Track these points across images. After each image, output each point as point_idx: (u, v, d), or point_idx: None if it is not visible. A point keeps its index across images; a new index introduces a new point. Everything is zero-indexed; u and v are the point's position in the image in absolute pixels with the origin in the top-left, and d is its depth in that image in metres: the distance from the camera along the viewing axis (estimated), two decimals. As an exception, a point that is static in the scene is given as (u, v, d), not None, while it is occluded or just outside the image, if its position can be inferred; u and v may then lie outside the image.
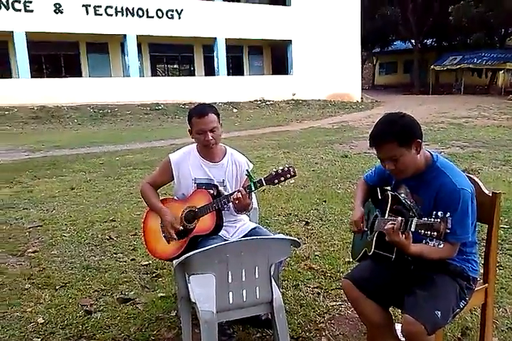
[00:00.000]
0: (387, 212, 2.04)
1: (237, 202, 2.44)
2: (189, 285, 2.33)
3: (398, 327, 2.12)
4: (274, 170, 2.43)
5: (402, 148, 1.93)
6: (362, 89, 25.76)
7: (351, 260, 3.43)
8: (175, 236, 2.54)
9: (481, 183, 2.16)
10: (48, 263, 3.67)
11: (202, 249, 2.05)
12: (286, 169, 2.41)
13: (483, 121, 14.42)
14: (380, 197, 2.23)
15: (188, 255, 2.04)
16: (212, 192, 2.59)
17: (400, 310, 2.21)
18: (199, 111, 2.58)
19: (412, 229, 1.77)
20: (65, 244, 4.14)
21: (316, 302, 2.97)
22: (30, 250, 3.98)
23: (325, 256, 3.70)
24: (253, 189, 2.44)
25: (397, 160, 1.96)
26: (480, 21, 25.30)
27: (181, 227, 2.54)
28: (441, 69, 30.17)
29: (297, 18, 21.89)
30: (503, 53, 27.34)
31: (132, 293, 3.15)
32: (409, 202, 2.06)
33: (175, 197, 2.76)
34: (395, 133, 1.92)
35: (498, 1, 23.82)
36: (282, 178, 2.41)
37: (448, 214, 1.68)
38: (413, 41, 33.40)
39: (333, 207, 5.07)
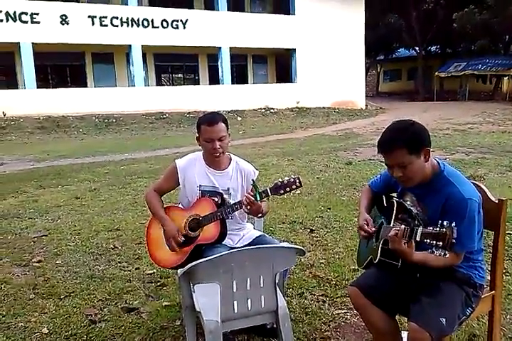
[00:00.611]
0: (392, 219, 2.03)
1: (249, 206, 2.42)
2: (194, 294, 2.32)
3: (404, 334, 2.10)
4: (280, 180, 2.41)
5: (412, 155, 1.92)
6: (366, 96, 25.80)
7: (356, 267, 3.42)
8: (177, 248, 2.53)
9: (487, 190, 2.15)
10: (53, 273, 3.67)
11: (207, 259, 2.04)
12: (292, 180, 2.40)
13: (488, 127, 14.37)
14: (385, 205, 2.22)
15: (192, 264, 2.03)
16: (216, 200, 2.58)
17: (406, 318, 2.19)
18: (209, 120, 2.58)
19: (418, 239, 1.75)
20: (69, 253, 4.14)
21: (322, 311, 2.95)
22: (35, 260, 3.98)
23: (330, 264, 3.68)
24: (258, 199, 2.43)
25: (405, 167, 1.95)
26: (484, 28, 25.32)
27: (183, 238, 2.53)
28: (445, 75, 30.18)
29: (301, 27, 22.00)
30: (508, 59, 27.33)
31: (137, 302, 3.14)
32: (415, 211, 2.05)
33: (180, 205, 2.76)
34: (405, 140, 1.91)
35: (502, 8, 23.84)
36: (288, 189, 2.39)
37: (454, 224, 1.66)
38: (417, 48, 33.46)
39: (337, 215, 5.05)
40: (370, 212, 2.32)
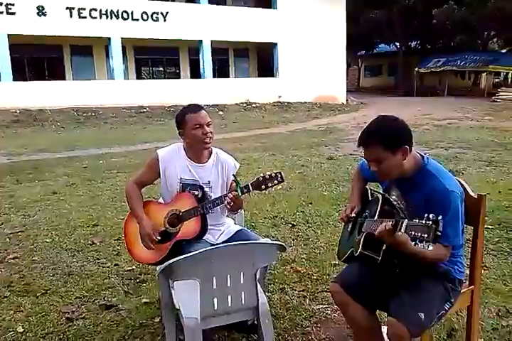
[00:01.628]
0: (377, 213, 2.01)
1: (232, 204, 2.40)
2: (173, 291, 2.29)
3: (384, 329, 2.10)
4: (262, 175, 2.38)
5: (388, 152, 1.91)
6: (347, 91, 25.90)
7: (337, 262, 3.43)
8: (152, 247, 2.49)
9: (466, 186, 2.15)
10: (29, 270, 3.59)
11: (186, 255, 2.01)
12: (273, 175, 2.37)
13: (466, 122, 14.58)
14: (370, 199, 2.21)
15: (171, 261, 2.00)
16: (197, 193, 2.55)
17: (386, 314, 2.19)
18: (193, 108, 2.57)
19: (403, 231, 1.74)
20: (46, 249, 4.05)
21: (303, 306, 2.94)
22: (10, 256, 3.89)
23: (311, 259, 3.68)
24: (240, 194, 2.40)
25: (380, 162, 1.94)
26: (463, 24, 25.66)
27: (159, 238, 2.48)
28: (425, 71, 30.50)
29: (283, 21, 21.93)
30: (486, 56, 27.78)
31: (115, 299, 3.09)
32: (399, 205, 2.04)
33: (160, 199, 2.71)
34: (381, 137, 1.90)
35: (481, 5, 24.15)
36: (270, 184, 2.37)
37: (440, 217, 1.66)
38: (397, 44, 33.73)
39: (319, 209, 5.05)
40: (361, 203, 2.29)
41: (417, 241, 1.72)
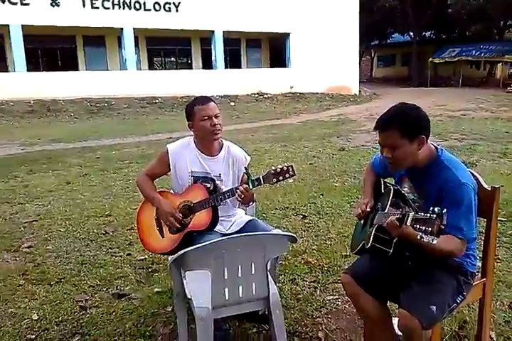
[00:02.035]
0: (387, 206, 2.01)
1: (242, 196, 2.40)
2: (184, 281, 2.31)
3: (395, 321, 2.10)
4: (273, 168, 2.37)
5: (404, 139, 1.89)
6: (360, 82, 25.67)
7: (348, 253, 3.43)
8: (178, 225, 2.49)
9: (480, 178, 2.13)
10: (43, 259, 3.65)
11: (198, 246, 2.02)
12: (285, 168, 2.36)
13: (481, 113, 14.38)
14: (382, 191, 2.20)
15: (183, 251, 2.01)
16: (208, 186, 2.55)
17: (397, 305, 2.19)
18: (201, 100, 2.57)
19: (408, 223, 1.74)
20: (60, 238, 4.11)
21: (313, 297, 2.95)
22: (25, 245, 3.95)
23: (322, 250, 3.68)
24: (251, 187, 2.40)
25: (395, 149, 1.92)
26: (479, 13, 25.23)
27: (181, 215, 2.50)
28: (439, 61, 30.08)
29: (295, 11, 21.72)
30: (502, 45, 27.25)
31: (128, 288, 3.13)
32: (411, 196, 2.03)
33: (171, 191, 2.72)
34: (400, 123, 1.89)
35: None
36: (281, 177, 2.37)
37: (444, 210, 1.65)
38: (411, 34, 33.25)
39: (330, 201, 5.05)
40: (374, 197, 2.28)
41: (422, 235, 1.71)
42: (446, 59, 29.13)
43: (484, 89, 24.50)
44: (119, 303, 2.92)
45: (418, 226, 1.68)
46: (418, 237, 1.71)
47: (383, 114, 1.97)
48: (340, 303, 2.87)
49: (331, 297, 2.95)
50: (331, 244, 3.81)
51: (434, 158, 2.00)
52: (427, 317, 1.83)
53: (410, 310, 1.83)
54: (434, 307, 1.86)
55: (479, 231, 2.91)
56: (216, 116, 2.53)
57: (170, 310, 2.80)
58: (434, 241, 1.66)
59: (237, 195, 2.42)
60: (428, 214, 1.66)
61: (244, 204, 2.60)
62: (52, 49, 20.85)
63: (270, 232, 2.47)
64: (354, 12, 23.47)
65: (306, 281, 3.16)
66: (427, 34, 36.09)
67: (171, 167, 2.65)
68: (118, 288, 3.13)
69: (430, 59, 30.14)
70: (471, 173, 2.07)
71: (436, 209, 1.65)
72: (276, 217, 4.57)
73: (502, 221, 4.10)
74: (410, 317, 1.81)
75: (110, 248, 3.87)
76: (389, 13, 30.07)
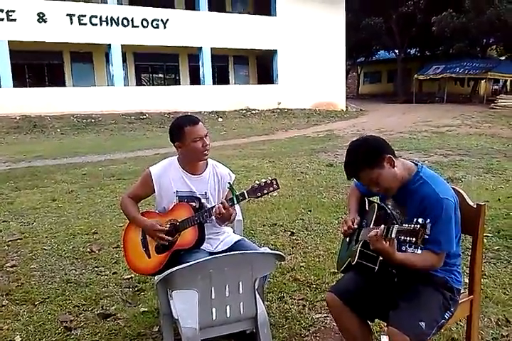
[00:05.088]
0: (372, 222, 2.03)
1: (219, 215, 2.39)
2: (171, 301, 2.28)
3: (385, 339, 2.09)
4: (257, 182, 2.38)
5: (375, 169, 1.95)
6: (346, 98, 25.96)
7: (336, 271, 3.41)
8: (167, 238, 2.46)
9: (465, 194, 2.15)
10: (27, 278, 3.58)
11: (184, 265, 2.00)
12: (269, 182, 2.37)
13: (465, 129, 14.60)
14: (367, 209, 2.22)
15: (169, 271, 1.99)
16: (194, 204, 2.54)
17: (385, 323, 2.19)
18: (190, 120, 2.52)
19: (393, 235, 1.77)
20: (45, 257, 4.04)
21: (301, 315, 2.93)
22: (8, 264, 3.87)
23: (310, 267, 3.66)
24: (235, 202, 2.40)
25: (377, 182, 1.98)
26: (462, 31, 25.72)
27: (168, 225, 2.48)
28: (424, 78, 30.57)
29: (282, 29, 22.05)
30: (485, 63, 27.81)
31: (113, 308, 3.07)
32: (394, 213, 2.06)
33: (156, 211, 2.70)
34: (362, 160, 1.95)
35: (479, 12, 24.26)
36: (265, 191, 2.37)
37: (428, 221, 1.69)
38: (397, 51, 33.87)
39: (318, 217, 5.05)
40: (359, 214, 2.31)
41: (407, 246, 1.75)
42: (431, 76, 29.61)
43: (468, 106, 24.90)
44: (104, 324, 2.87)
45: (403, 237, 1.74)
46: (403, 248, 1.75)
47: (345, 164, 2.04)
48: (328, 321, 2.84)
49: (319, 315, 2.92)
50: (319, 261, 3.80)
51: (414, 174, 2.04)
52: (416, 334, 1.84)
53: (399, 327, 1.83)
54: (423, 324, 1.87)
55: (466, 247, 2.93)
56: (206, 136, 2.53)
57: (156, 330, 2.75)
58: (419, 251, 1.69)
59: (213, 211, 2.40)
60: (412, 225, 1.70)
61: (222, 222, 2.56)
62: (39, 65, 20.78)
63: (257, 251, 2.45)
64: (340, 29, 23.87)
65: (295, 299, 3.14)
66: (412, 51, 36.77)
67: (155, 188, 2.62)
68: (103, 307, 3.08)
69: (415, 76, 30.63)
70: (454, 188, 2.09)
71: (420, 219, 1.71)
72: (264, 234, 4.55)
73: (488, 236, 4.13)
74: (400, 334, 1.82)
75: (96, 266, 3.81)
76: (374, 30, 30.58)
